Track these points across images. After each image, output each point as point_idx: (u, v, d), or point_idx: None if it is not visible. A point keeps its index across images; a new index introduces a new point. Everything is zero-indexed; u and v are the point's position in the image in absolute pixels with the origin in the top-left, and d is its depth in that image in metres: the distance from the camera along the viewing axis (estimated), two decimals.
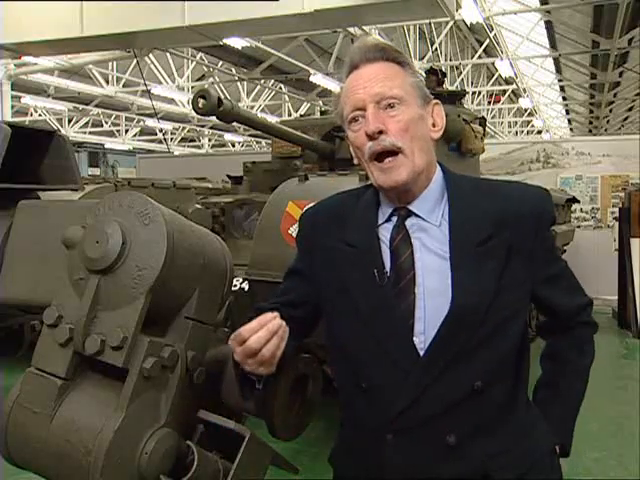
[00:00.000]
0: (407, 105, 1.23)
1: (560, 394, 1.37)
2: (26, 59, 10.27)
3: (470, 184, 1.30)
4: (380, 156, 1.22)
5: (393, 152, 1.21)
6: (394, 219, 1.27)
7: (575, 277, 1.41)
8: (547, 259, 1.30)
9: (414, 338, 1.19)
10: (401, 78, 1.24)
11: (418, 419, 1.19)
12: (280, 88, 17.87)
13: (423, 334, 1.19)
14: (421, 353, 1.18)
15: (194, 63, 14.87)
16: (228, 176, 5.89)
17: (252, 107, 17.02)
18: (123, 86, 15.46)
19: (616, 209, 8.07)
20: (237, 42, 10.03)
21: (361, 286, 1.24)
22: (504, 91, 19.13)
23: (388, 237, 1.26)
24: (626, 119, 24.92)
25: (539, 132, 24.51)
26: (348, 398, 1.32)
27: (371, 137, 1.21)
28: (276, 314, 1.15)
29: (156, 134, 21.63)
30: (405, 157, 1.21)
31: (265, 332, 1.12)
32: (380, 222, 1.28)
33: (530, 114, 21.72)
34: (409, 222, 1.25)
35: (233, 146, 24.88)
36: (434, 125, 1.29)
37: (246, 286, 3.23)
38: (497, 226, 1.22)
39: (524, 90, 17.85)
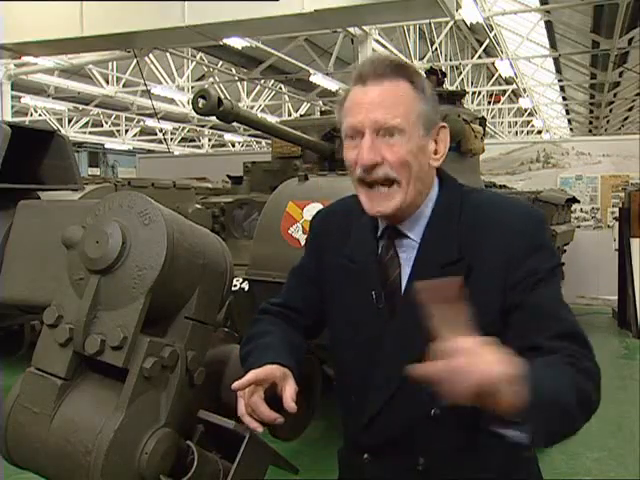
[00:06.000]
0: (407, 136, 1.15)
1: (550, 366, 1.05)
2: (26, 59, 10.26)
3: (454, 207, 1.21)
4: (371, 182, 1.17)
5: (387, 180, 1.16)
6: (386, 236, 1.25)
7: (569, 319, 1.13)
8: (524, 289, 1.13)
9: None
10: (407, 105, 1.16)
11: (380, 438, 1.21)
12: (280, 88, 17.86)
13: None
14: None
15: (194, 63, 14.86)
16: (228, 176, 5.89)
17: (252, 107, 17.02)
18: (123, 86, 15.45)
19: (616, 209, 8.06)
20: (237, 42, 10.01)
21: (361, 306, 1.24)
22: (504, 91, 19.13)
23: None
24: (626, 119, 24.91)
25: (539, 132, 24.50)
26: (342, 406, 1.35)
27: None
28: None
29: (156, 134, 21.62)
30: (400, 188, 1.16)
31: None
32: (379, 235, 1.26)
33: (530, 114, 21.71)
34: (399, 242, 1.23)
35: (233, 146, 24.88)
36: (436, 152, 1.21)
37: (246, 286, 3.23)
38: (463, 253, 1.16)
39: (524, 90, 17.84)
